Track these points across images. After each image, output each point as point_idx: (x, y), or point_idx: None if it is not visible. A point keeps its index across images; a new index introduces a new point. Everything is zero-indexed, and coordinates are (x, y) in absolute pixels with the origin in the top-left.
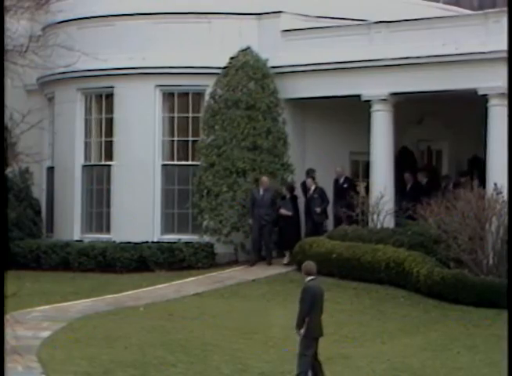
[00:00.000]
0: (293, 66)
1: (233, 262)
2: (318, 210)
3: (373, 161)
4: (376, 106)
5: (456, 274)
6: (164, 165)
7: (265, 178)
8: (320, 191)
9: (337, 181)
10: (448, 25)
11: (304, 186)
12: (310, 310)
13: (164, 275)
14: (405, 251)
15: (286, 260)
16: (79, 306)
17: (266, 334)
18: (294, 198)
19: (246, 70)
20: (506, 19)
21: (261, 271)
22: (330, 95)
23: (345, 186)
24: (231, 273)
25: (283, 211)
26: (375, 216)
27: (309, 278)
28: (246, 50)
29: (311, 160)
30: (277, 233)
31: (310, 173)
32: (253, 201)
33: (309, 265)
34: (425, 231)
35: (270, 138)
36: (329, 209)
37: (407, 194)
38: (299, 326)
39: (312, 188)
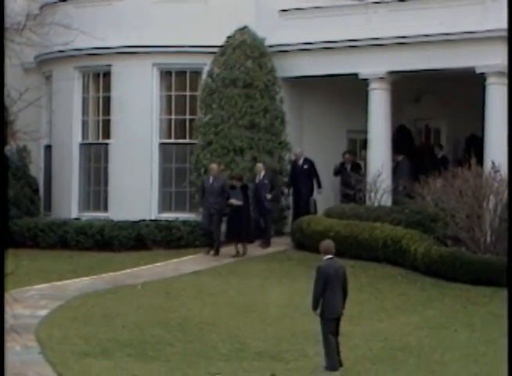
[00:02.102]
0: (290, 45)
1: None
2: (268, 196)
3: (370, 140)
4: (373, 85)
5: (454, 252)
6: (161, 144)
7: (213, 166)
8: (270, 176)
9: (295, 162)
10: (445, 4)
11: (294, 164)
12: (323, 291)
13: (161, 253)
14: (403, 229)
15: (235, 251)
16: (77, 285)
17: (263, 312)
18: (245, 187)
19: (244, 49)
20: None
21: (258, 249)
22: (328, 73)
23: (305, 167)
24: (228, 251)
25: (233, 201)
26: (372, 194)
27: (326, 257)
28: (244, 29)
29: (309, 138)
30: (226, 222)
31: (298, 155)
32: (203, 189)
33: (327, 243)
34: (423, 209)
35: (267, 116)
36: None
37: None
38: (314, 307)
39: (262, 173)
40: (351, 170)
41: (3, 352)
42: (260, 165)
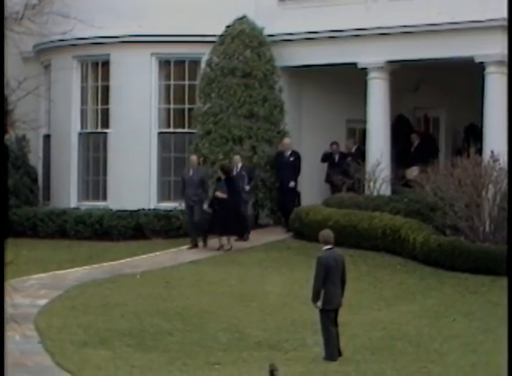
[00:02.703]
0: (289, 34)
1: None
2: (247, 187)
3: (369, 129)
4: (372, 74)
5: (453, 241)
6: (160, 133)
7: (193, 158)
8: (248, 169)
9: (281, 154)
10: None
11: (279, 155)
12: (324, 282)
13: (160, 243)
14: (402, 219)
15: (226, 246)
16: (76, 274)
17: (263, 301)
18: (231, 180)
19: (243, 39)
20: None
21: (257, 238)
22: (327, 63)
23: (291, 159)
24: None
25: (218, 194)
26: (371, 183)
27: (326, 247)
28: (243, 19)
29: (308, 127)
30: (211, 215)
31: (286, 146)
32: (183, 182)
33: (326, 233)
34: (421, 198)
35: (266, 105)
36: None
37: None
38: (315, 298)
39: (239, 165)
40: (339, 160)
41: (3, 342)
42: (237, 157)
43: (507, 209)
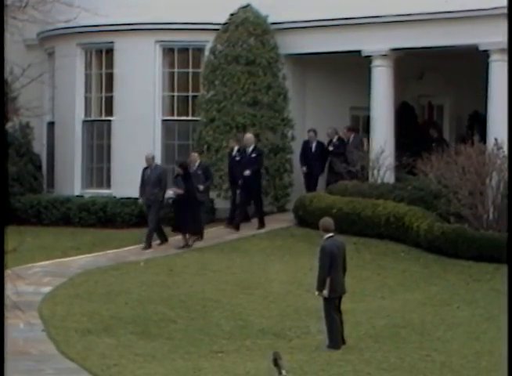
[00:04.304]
0: (293, 22)
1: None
2: (201, 187)
3: (373, 117)
4: (376, 62)
5: (456, 229)
6: (164, 120)
7: (148, 155)
8: (204, 167)
9: (243, 151)
10: None
11: (240, 152)
12: (329, 270)
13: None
14: (406, 206)
15: (182, 242)
16: (80, 261)
17: (266, 289)
18: (187, 176)
19: (247, 26)
20: None
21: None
22: (331, 50)
23: (253, 156)
24: (231, 228)
25: (174, 190)
26: (375, 171)
27: (327, 235)
28: (247, 7)
29: (312, 115)
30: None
31: (248, 141)
32: (142, 179)
33: (327, 221)
34: (425, 186)
35: (270, 93)
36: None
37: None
38: (320, 287)
39: (196, 164)
40: (316, 150)
41: (3, 331)
42: (195, 155)
43: (508, 197)
